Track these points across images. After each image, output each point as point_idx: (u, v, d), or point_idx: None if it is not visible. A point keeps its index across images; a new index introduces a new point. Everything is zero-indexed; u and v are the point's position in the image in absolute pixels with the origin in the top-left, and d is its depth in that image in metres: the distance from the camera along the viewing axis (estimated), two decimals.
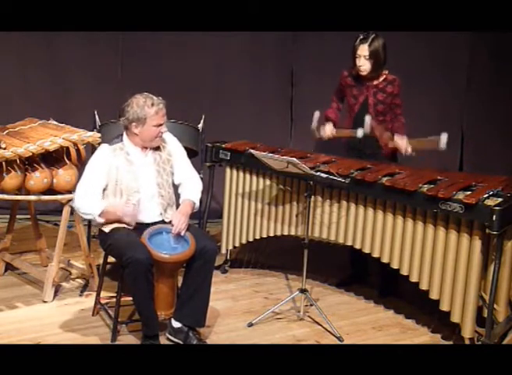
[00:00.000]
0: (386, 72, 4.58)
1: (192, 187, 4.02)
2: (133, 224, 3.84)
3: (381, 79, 4.57)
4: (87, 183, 3.86)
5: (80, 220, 4.47)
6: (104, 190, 3.88)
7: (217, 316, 4.30)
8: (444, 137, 4.31)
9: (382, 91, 4.56)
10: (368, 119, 4.45)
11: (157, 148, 3.96)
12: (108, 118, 4.94)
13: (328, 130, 4.65)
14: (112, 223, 3.85)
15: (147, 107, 3.79)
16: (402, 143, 4.49)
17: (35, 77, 5.93)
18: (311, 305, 4.37)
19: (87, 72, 5.97)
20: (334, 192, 4.39)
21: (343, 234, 4.39)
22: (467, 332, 3.94)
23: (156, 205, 3.93)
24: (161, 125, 3.85)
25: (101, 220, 3.85)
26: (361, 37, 4.50)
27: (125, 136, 3.92)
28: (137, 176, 3.88)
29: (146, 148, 3.92)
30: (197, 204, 4.02)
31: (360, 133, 4.48)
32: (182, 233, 3.81)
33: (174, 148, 4.03)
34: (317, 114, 4.65)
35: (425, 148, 4.48)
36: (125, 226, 3.85)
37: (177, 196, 4.06)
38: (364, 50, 4.47)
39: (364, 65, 4.50)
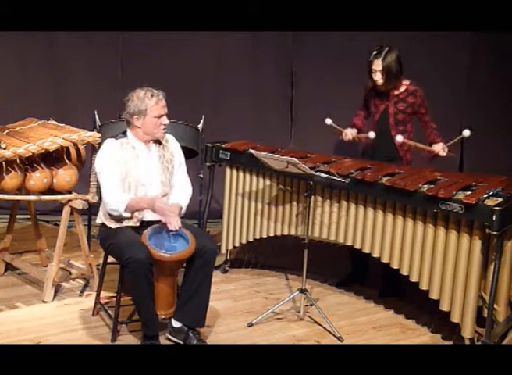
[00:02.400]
0: (407, 82, 4.62)
1: (182, 193, 4.02)
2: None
3: (402, 89, 4.61)
4: (110, 181, 3.82)
5: (79, 220, 4.47)
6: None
7: (217, 316, 4.30)
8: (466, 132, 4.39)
9: (403, 100, 4.59)
10: (399, 138, 4.50)
11: (160, 145, 3.97)
12: (108, 118, 4.94)
13: (349, 133, 4.73)
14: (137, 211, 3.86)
15: (147, 99, 3.83)
16: (439, 149, 4.55)
17: (35, 77, 5.93)
18: (311, 305, 4.37)
19: (87, 72, 5.97)
20: (334, 192, 4.39)
21: (343, 234, 4.39)
22: (467, 332, 3.94)
23: None
24: (162, 116, 3.87)
25: (127, 215, 3.83)
26: (375, 52, 4.53)
27: (128, 132, 3.93)
28: (144, 170, 3.90)
29: (149, 142, 3.93)
30: (184, 209, 4.01)
31: (371, 135, 4.60)
32: (177, 228, 3.80)
33: (176, 150, 4.05)
34: (328, 121, 4.73)
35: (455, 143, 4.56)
36: (127, 226, 3.86)
37: None
38: (378, 65, 4.51)
39: (380, 79, 4.54)
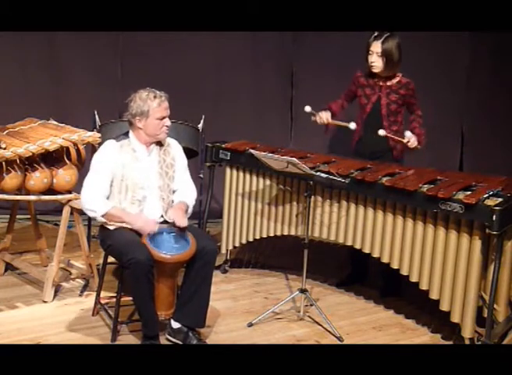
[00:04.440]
0: (400, 75, 4.61)
1: (187, 194, 4.03)
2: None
3: (395, 81, 4.60)
4: (94, 179, 3.85)
5: (79, 220, 4.47)
6: (110, 185, 3.88)
7: (217, 316, 4.30)
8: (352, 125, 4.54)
9: (395, 92, 4.59)
10: (381, 132, 4.50)
11: (162, 150, 3.97)
12: (108, 118, 4.94)
13: (324, 116, 4.70)
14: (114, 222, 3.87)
15: (149, 100, 3.83)
16: (407, 140, 4.52)
17: (35, 77, 5.93)
18: (311, 305, 4.37)
19: (87, 72, 5.97)
20: (334, 192, 4.39)
21: (343, 234, 4.39)
22: (467, 332, 3.94)
23: (157, 207, 3.93)
24: (164, 118, 3.87)
25: (102, 220, 3.85)
26: (376, 34, 4.52)
27: (131, 133, 3.94)
28: (143, 173, 3.90)
29: (150, 144, 3.93)
30: (190, 209, 4.02)
31: (352, 126, 4.55)
32: (185, 225, 3.82)
33: (178, 155, 4.05)
34: (308, 108, 4.71)
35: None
36: (127, 226, 3.86)
37: None
38: (377, 47, 4.50)
39: (376, 62, 4.52)
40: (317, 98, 6.18)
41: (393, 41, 4.50)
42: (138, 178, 3.88)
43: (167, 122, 3.89)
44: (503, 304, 4.06)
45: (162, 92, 3.89)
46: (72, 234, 5.05)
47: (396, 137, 4.54)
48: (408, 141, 4.51)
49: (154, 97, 3.84)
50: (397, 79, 4.61)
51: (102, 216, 3.82)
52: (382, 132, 4.49)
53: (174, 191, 4.01)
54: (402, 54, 4.55)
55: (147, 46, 5.96)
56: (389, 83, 4.60)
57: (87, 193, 3.85)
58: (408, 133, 4.51)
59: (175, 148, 4.05)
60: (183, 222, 3.83)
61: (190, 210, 4.02)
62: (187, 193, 4.03)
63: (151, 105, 3.83)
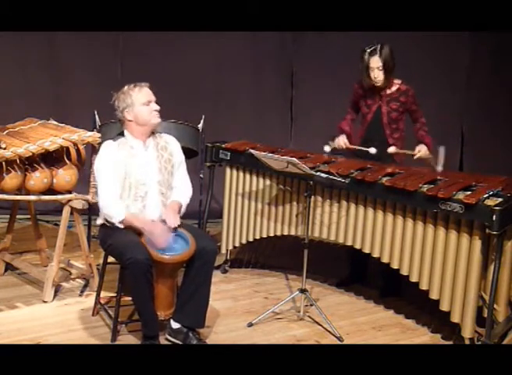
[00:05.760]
0: (399, 82, 4.60)
1: (182, 192, 4.03)
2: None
3: (394, 88, 4.59)
4: (106, 185, 3.84)
5: (79, 220, 4.47)
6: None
7: (217, 316, 4.30)
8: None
9: (396, 99, 4.58)
10: (391, 149, 4.53)
11: (159, 145, 3.97)
12: (108, 118, 4.93)
13: (342, 141, 4.69)
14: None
15: (130, 90, 3.92)
16: (419, 153, 4.56)
17: (35, 77, 5.93)
18: (311, 305, 4.37)
19: (87, 72, 5.98)
20: (334, 192, 4.39)
21: (343, 234, 4.39)
22: (467, 332, 3.94)
23: (157, 202, 3.93)
24: (150, 102, 3.92)
25: (120, 226, 3.84)
26: (369, 50, 4.49)
27: (125, 131, 3.96)
28: (142, 168, 3.90)
29: (146, 139, 3.94)
30: (184, 207, 4.02)
31: (372, 150, 4.54)
32: (176, 226, 3.82)
33: (175, 150, 4.05)
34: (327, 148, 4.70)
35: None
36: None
37: None
38: (376, 62, 4.48)
39: (379, 76, 4.51)
40: (317, 98, 6.23)
41: (387, 49, 4.49)
42: (139, 174, 3.89)
43: (155, 106, 3.93)
44: (503, 304, 4.06)
45: (143, 83, 3.95)
46: (72, 234, 5.05)
47: (407, 151, 4.56)
48: (419, 151, 4.54)
49: (134, 86, 3.93)
50: (396, 86, 4.60)
51: (120, 222, 3.83)
52: (392, 149, 4.52)
53: (173, 188, 4.02)
54: (395, 58, 4.53)
55: (147, 46, 5.97)
56: (388, 92, 4.60)
57: (104, 199, 3.84)
58: (421, 147, 4.53)
59: (172, 144, 4.06)
60: (174, 222, 3.83)
61: (184, 208, 4.02)
62: (183, 190, 4.04)
63: (133, 94, 3.90)
